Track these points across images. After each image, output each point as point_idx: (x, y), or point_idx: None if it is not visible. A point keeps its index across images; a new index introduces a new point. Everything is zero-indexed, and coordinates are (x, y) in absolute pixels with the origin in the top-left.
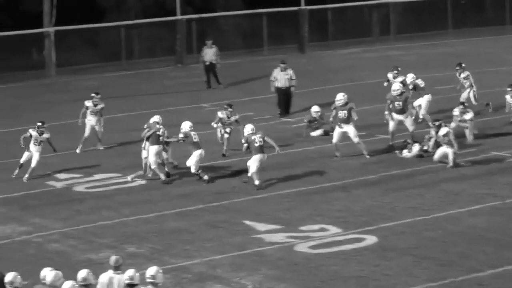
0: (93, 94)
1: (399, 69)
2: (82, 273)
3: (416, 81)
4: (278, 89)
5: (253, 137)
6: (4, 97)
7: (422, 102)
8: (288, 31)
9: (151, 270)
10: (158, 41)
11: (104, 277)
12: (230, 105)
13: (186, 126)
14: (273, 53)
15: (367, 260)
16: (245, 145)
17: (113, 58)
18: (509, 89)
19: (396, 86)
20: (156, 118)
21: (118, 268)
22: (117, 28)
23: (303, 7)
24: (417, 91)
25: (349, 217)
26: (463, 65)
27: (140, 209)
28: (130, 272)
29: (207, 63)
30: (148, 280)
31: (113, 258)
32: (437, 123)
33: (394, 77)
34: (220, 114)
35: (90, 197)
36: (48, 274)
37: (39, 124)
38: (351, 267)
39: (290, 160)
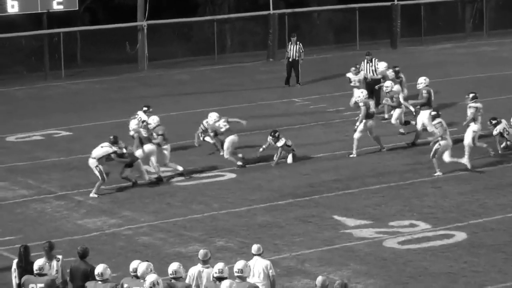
0: (145, 108)
1: (397, 69)
2: (173, 266)
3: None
4: (365, 81)
5: (217, 124)
6: (97, 90)
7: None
8: (381, 26)
9: (239, 264)
10: (250, 35)
11: (193, 271)
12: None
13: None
14: (365, 48)
15: (456, 256)
16: (212, 133)
17: (205, 52)
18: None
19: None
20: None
21: (207, 261)
22: (209, 22)
23: (396, 2)
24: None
25: (439, 213)
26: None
27: (230, 203)
28: (219, 265)
29: (291, 59)
30: (236, 274)
31: (202, 252)
32: (494, 121)
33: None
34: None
35: (181, 190)
36: (140, 265)
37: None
38: (440, 264)
39: (383, 156)
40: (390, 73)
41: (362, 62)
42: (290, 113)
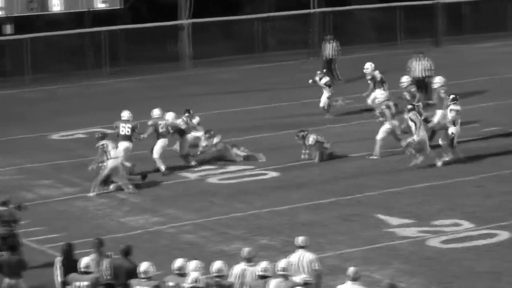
0: (187, 114)
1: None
2: (217, 264)
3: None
4: (414, 79)
5: (159, 122)
6: (140, 88)
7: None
8: (423, 25)
9: (283, 263)
10: (292, 34)
11: (237, 269)
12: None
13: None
14: (408, 46)
15: (499, 255)
16: (150, 128)
17: (247, 51)
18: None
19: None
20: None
21: (250, 260)
22: (252, 21)
23: (438, 0)
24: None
25: (482, 212)
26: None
27: (273, 202)
28: (264, 264)
29: (327, 58)
30: (279, 272)
31: (246, 250)
32: None
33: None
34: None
35: (223, 188)
36: (191, 263)
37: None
38: (484, 263)
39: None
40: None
41: (413, 60)
42: (331, 112)
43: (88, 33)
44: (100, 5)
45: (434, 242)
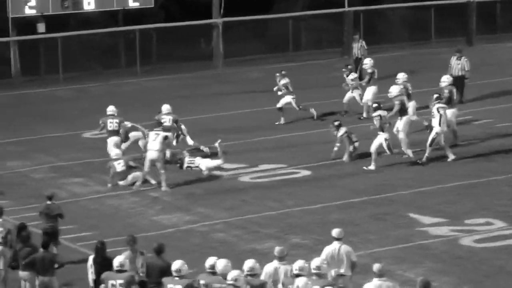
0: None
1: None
2: (249, 263)
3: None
4: (452, 77)
5: (108, 121)
6: (171, 87)
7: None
8: (456, 24)
9: (317, 261)
10: (324, 32)
11: (269, 267)
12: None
13: None
14: (440, 45)
15: None
16: (101, 125)
17: (280, 50)
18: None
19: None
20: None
21: (283, 258)
22: (284, 20)
23: None
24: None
25: None
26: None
27: (305, 200)
28: (300, 263)
29: (356, 58)
30: (314, 271)
31: (278, 249)
32: None
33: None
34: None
35: (255, 187)
36: (219, 261)
37: None
38: None
39: (457, 154)
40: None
41: (452, 58)
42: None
43: (121, 32)
44: (133, 4)
45: (467, 241)
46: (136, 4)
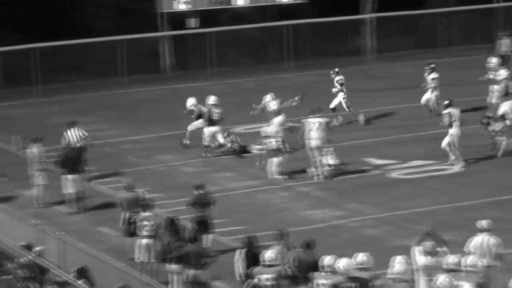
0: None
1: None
2: (360, 256)
3: None
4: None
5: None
6: (321, 82)
7: None
8: None
9: (471, 259)
10: (476, 28)
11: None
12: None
13: None
14: None
15: None
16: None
17: (430, 45)
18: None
19: None
20: None
21: (433, 254)
22: (435, 15)
23: None
24: None
25: None
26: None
27: (456, 197)
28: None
29: (502, 54)
30: (468, 268)
31: (429, 244)
32: None
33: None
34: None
35: (406, 183)
36: (341, 260)
37: None
38: None
39: None
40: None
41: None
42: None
43: (272, 27)
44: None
45: None
46: (288, 0)
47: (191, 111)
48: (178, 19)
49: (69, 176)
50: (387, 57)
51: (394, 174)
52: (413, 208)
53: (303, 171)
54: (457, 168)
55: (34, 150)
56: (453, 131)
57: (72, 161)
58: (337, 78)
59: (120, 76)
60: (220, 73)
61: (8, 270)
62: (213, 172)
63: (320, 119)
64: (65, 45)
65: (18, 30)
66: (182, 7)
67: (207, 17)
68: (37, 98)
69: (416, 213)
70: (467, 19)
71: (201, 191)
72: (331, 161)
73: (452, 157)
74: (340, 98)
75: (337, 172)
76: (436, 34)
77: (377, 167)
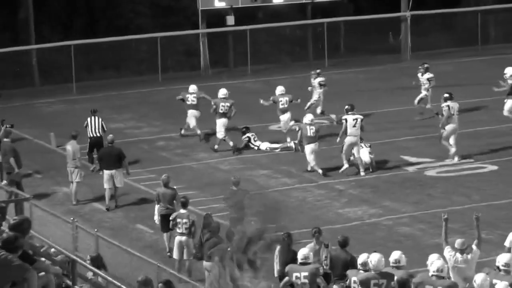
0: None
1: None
2: (395, 255)
3: None
4: None
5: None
6: (360, 80)
7: None
8: None
9: (505, 257)
10: None
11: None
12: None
13: None
14: None
15: None
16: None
17: (468, 43)
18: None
19: None
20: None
21: (463, 251)
22: (473, 13)
23: None
24: None
25: None
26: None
27: (491, 195)
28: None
29: None
30: (501, 267)
31: (459, 241)
32: None
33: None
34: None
35: (442, 181)
36: (372, 255)
37: None
38: None
39: None
40: None
41: None
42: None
43: (310, 25)
44: None
45: None
46: None
47: (182, 100)
48: (217, 17)
49: (106, 172)
50: (424, 55)
51: (429, 173)
52: (449, 206)
53: (338, 168)
54: (455, 160)
55: (70, 147)
56: (450, 126)
57: (111, 157)
58: (318, 79)
59: (156, 73)
60: (257, 71)
61: (44, 267)
62: (249, 170)
63: (358, 116)
64: (101, 43)
65: (56, 28)
66: (221, 4)
67: (244, 15)
68: (72, 95)
69: (451, 211)
70: (506, 17)
71: (235, 188)
72: (367, 158)
73: (453, 150)
74: (315, 98)
75: (373, 169)
76: (473, 32)
77: (413, 165)
